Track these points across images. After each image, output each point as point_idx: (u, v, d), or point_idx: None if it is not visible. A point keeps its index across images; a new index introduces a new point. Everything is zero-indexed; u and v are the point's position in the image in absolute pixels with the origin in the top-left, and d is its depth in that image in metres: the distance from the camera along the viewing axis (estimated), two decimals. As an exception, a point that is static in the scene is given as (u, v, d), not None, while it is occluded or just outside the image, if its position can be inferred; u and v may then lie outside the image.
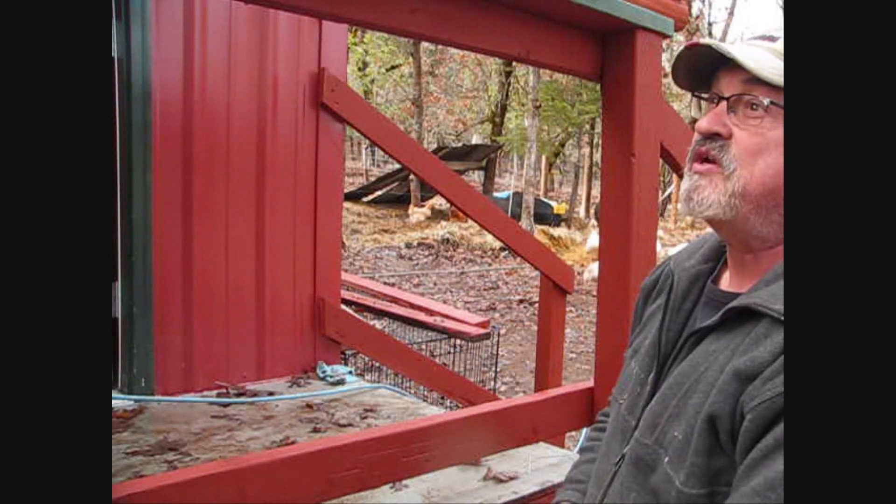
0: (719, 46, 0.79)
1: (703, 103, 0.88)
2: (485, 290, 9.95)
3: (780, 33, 0.82)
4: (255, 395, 2.94)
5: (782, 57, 0.79)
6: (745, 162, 0.79)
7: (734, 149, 0.80)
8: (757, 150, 0.78)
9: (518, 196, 15.93)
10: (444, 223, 13.97)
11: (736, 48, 0.79)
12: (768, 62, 0.78)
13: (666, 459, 0.77)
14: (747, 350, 0.72)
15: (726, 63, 0.81)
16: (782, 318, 0.70)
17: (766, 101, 0.78)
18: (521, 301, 9.26)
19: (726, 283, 0.88)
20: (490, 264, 11.78)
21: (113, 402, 2.69)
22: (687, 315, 0.89)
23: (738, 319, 0.77)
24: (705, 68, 0.85)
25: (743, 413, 0.69)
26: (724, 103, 0.81)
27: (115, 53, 2.73)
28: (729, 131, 0.80)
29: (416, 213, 15.30)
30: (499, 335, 5.37)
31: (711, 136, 0.81)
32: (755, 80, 0.78)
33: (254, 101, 3.07)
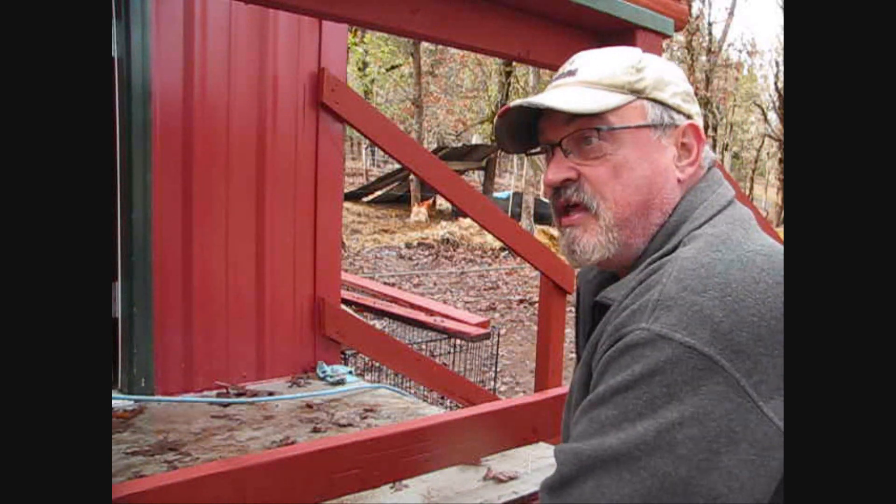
0: (531, 102, 0.82)
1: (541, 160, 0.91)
2: (485, 290, 9.95)
3: (577, 65, 0.86)
4: (255, 395, 2.94)
5: (590, 84, 0.82)
6: (604, 194, 0.81)
7: (588, 186, 0.82)
8: (609, 178, 0.81)
9: (518, 196, 15.94)
10: (444, 223, 13.97)
11: (547, 98, 0.82)
12: (578, 96, 0.81)
13: None
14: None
15: (543, 114, 0.84)
16: (612, 302, 0.76)
17: (595, 131, 0.80)
18: (521, 301, 9.26)
19: None
20: (490, 264, 11.78)
21: (113, 402, 2.70)
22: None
23: (599, 316, 0.80)
24: (523, 127, 0.88)
25: (591, 372, 0.74)
26: (558, 150, 0.83)
27: (115, 53, 2.73)
28: (576, 172, 0.82)
29: (420, 213, 15.27)
30: (499, 335, 5.37)
31: (563, 185, 0.83)
32: (576, 117, 0.81)
33: (254, 101, 3.07)
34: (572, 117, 0.81)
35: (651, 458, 0.62)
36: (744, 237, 0.74)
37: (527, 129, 0.88)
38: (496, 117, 0.86)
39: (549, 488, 0.69)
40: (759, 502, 0.64)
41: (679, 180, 0.83)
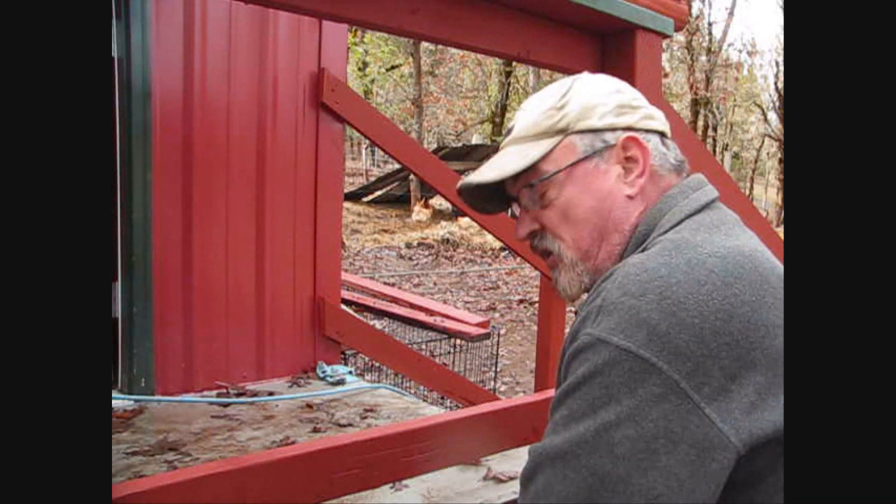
0: (471, 181, 0.89)
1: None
2: (485, 290, 9.95)
3: (515, 120, 0.90)
4: (255, 395, 2.94)
5: (520, 140, 0.88)
6: (561, 237, 0.86)
7: (548, 233, 0.88)
8: (560, 221, 0.86)
9: (518, 196, 15.88)
10: (444, 223, 13.97)
11: (485, 172, 0.89)
12: (507, 158, 0.87)
13: None
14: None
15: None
16: (575, 309, 0.80)
17: (532, 186, 0.86)
18: (521, 301, 9.26)
19: None
20: (490, 264, 11.78)
21: (113, 402, 2.70)
22: None
23: None
24: (495, 190, 0.93)
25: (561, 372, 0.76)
26: (515, 205, 0.91)
27: (115, 53, 2.73)
28: (538, 223, 0.88)
29: (423, 213, 15.23)
30: (499, 335, 5.37)
31: (530, 237, 0.89)
32: (516, 176, 0.86)
33: (254, 101, 3.07)
34: (515, 177, 0.86)
35: (591, 457, 0.64)
36: (704, 240, 0.74)
37: (500, 194, 0.94)
38: (459, 194, 0.93)
39: (520, 483, 0.73)
40: None
41: (630, 196, 0.84)
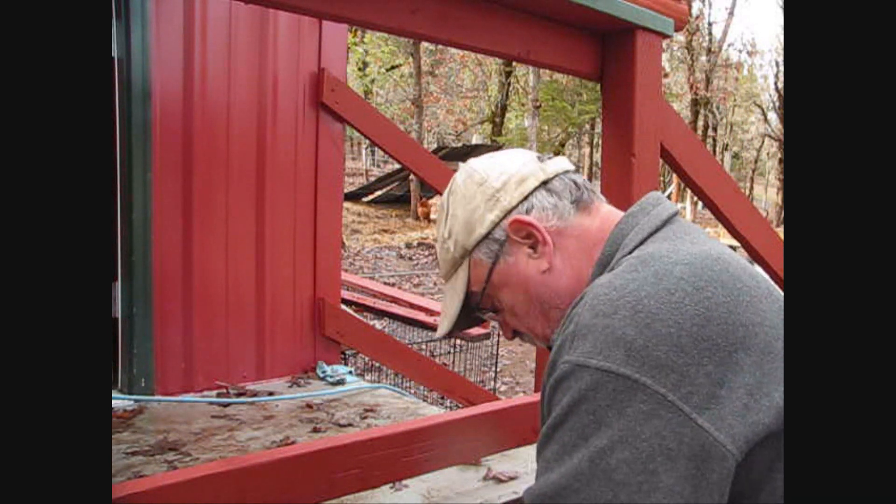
0: (441, 333, 0.95)
1: None
2: (485, 290, 9.93)
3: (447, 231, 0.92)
4: (255, 395, 2.94)
5: (448, 277, 0.92)
6: (521, 329, 0.91)
7: (517, 329, 0.93)
8: (513, 319, 0.91)
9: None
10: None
11: (442, 323, 0.94)
12: (449, 298, 0.92)
13: None
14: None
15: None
16: (550, 343, 0.83)
17: (477, 308, 0.92)
18: (521, 301, 9.24)
19: None
20: (490, 264, 11.74)
21: (113, 402, 2.70)
22: None
23: None
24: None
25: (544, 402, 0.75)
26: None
27: (115, 53, 2.73)
28: (500, 320, 0.94)
29: (432, 211, 15.14)
30: (499, 335, 5.37)
31: (513, 334, 0.95)
32: (469, 300, 0.91)
33: (254, 101, 3.07)
34: (465, 307, 0.91)
35: (590, 488, 0.61)
36: (670, 250, 0.72)
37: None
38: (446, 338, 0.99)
39: None
40: None
41: (544, 270, 0.85)
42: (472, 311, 0.94)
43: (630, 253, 0.77)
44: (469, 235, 0.87)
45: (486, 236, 0.86)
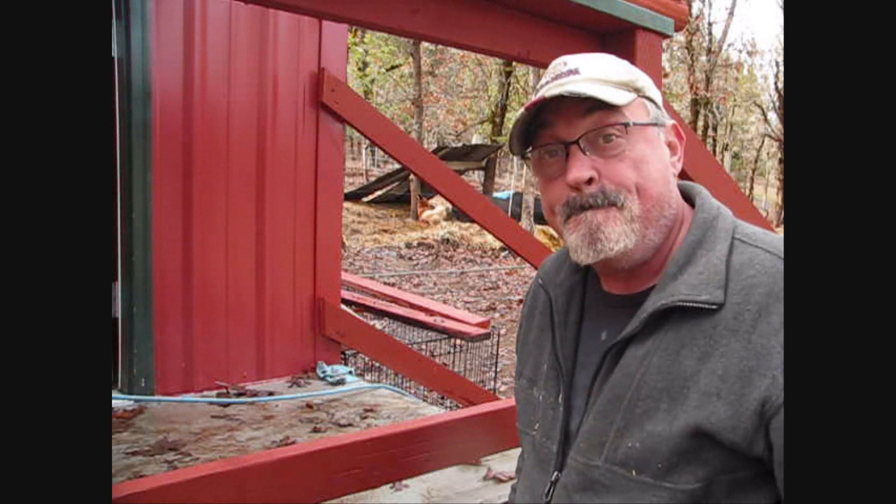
0: (572, 91, 0.78)
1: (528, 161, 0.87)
2: (485, 290, 9.95)
3: (576, 65, 0.82)
4: (255, 395, 2.94)
5: (600, 81, 0.80)
6: (629, 187, 0.79)
7: (610, 183, 0.79)
8: (631, 173, 0.79)
9: (518, 196, 15.93)
10: (444, 223, 13.97)
11: (579, 87, 0.79)
12: (599, 89, 0.79)
13: (634, 473, 0.75)
14: (711, 349, 0.73)
15: (550, 109, 0.81)
16: (715, 305, 0.74)
17: (619, 127, 0.79)
18: (521, 301, 9.25)
19: (612, 287, 0.87)
20: (490, 264, 11.78)
21: (113, 402, 2.70)
22: (576, 328, 0.89)
23: (657, 320, 0.77)
24: (526, 126, 0.84)
25: (764, 407, 0.69)
26: (574, 148, 0.80)
27: (115, 53, 2.73)
28: (597, 171, 0.79)
29: (434, 214, 15.04)
30: (499, 335, 5.37)
31: (588, 183, 0.79)
32: (593, 112, 0.79)
33: (254, 101, 3.07)
34: (590, 111, 0.79)
35: None
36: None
37: (528, 129, 0.85)
38: (524, 110, 0.81)
39: None
40: None
41: (675, 175, 0.85)
42: (560, 133, 0.81)
43: (743, 230, 0.82)
44: (650, 89, 0.85)
45: (658, 106, 0.86)
